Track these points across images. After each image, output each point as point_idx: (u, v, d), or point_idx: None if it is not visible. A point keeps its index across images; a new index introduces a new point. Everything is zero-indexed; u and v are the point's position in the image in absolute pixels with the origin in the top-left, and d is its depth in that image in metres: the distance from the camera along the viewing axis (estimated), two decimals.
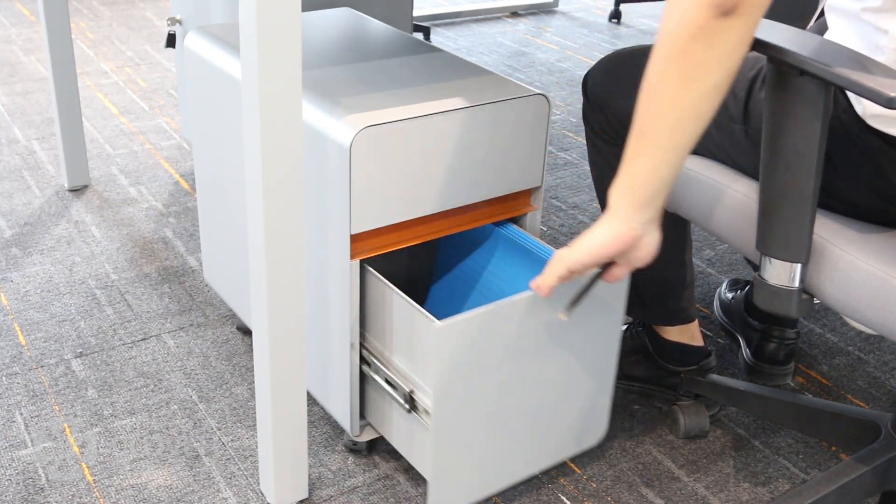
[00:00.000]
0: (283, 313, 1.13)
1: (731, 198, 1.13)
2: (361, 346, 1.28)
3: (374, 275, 1.22)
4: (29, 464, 1.33)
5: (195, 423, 1.42)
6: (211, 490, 1.30)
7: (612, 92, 1.27)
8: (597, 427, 1.29)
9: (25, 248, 1.89)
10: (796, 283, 1.02)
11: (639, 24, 3.74)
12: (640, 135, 0.91)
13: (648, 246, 0.98)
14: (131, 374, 1.53)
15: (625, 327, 1.50)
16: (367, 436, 1.34)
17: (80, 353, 1.58)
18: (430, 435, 1.10)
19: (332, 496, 1.30)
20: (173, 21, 2.06)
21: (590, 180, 2.31)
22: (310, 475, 1.33)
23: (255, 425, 1.42)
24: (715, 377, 1.40)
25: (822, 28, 1.18)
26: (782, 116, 0.94)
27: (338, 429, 1.43)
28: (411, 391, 1.18)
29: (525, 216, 1.36)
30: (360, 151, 1.14)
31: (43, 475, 1.31)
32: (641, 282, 1.41)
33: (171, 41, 2.10)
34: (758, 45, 0.92)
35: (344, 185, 1.15)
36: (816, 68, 0.88)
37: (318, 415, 1.45)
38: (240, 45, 1.10)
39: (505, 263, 1.34)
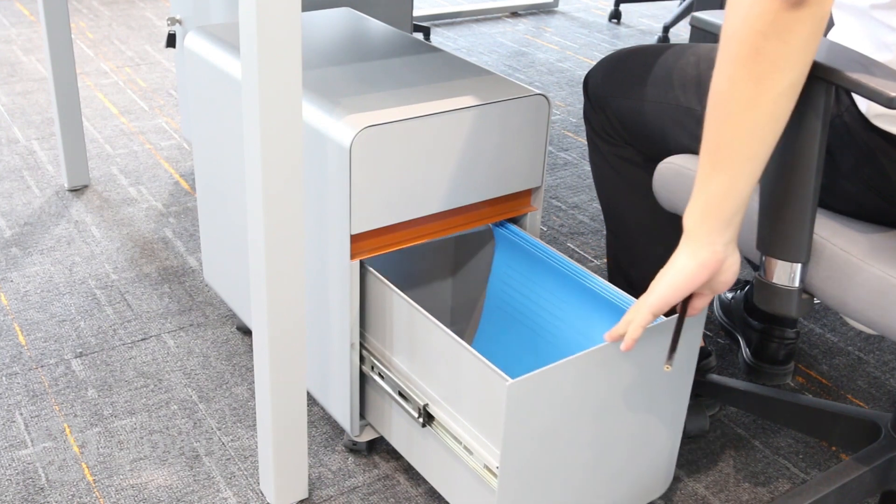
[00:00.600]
0: (283, 313, 1.13)
1: None
2: (361, 346, 1.28)
3: (374, 275, 1.22)
4: (29, 464, 1.33)
5: (195, 423, 1.42)
6: (211, 490, 1.30)
7: (612, 92, 1.27)
8: (664, 478, 1.24)
9: (25, 248, 1.89)
10: (796, 283, 1.02)
11: (639, 24, 3.73)
12: (714, 149, 0.85)
13: (733, 266, 0.93)
14: (131, 374, 1.53)
15: None
16: (367, 436, 1.34)
17: (80, 353, 1.58)
18: (497, 496, 1.04)
19: (332, 496, 1.30)
20: (173, 21, 2.06)
21: (590, 180, 2.31)
22: (310, 475, 1.33)
23: (255, 425, 1.42)
24: (715, 377, 1.40)
25: (827, 24, 1.18)
26: None
27: (338, 429, 1.43)
28: (426, 405, 1.16)
29: (525, 216, 1.36)
30: (360, 151, 1.14)
31: (43, 475, 1.31)
32: (641, 282, 1.41)
33: (171, 41, 2.10)
34: None
35: (344, 185, 1.15)
36: (818, 69, 0.88)
37: (318, 415, 1.45)
38: (240, 45, 1.10)
39: (509, 267, 1.34)
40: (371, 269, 1.23)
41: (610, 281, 1.44)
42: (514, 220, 1.37)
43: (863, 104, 1.00)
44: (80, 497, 1.28)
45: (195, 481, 1.31)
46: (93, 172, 2.22)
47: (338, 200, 1.18)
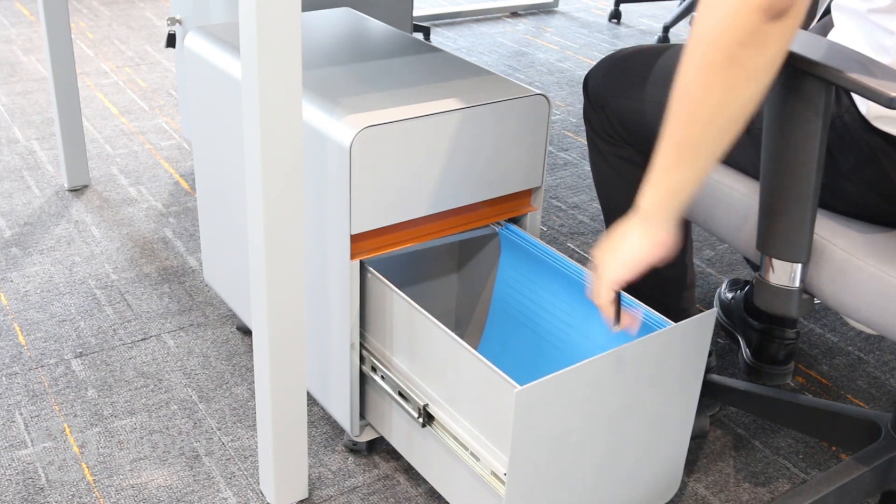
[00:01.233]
0: (283, 313, 1.13)
1: (732, 198, 1.13)
2: (361, 346, 1.28)
3: (374, 275, 1.22)
4: (29, 464, 1.33)
5: (195, 423, 1.42)
6: (211, 490, 1.30)
7: (612, 92, 1.27)
8: (672, 483, 1.24)
9: (25, 248, 1.89)
10: (797, 283, 1.02)
11: (639, 24, 3.73)
12: (679, 145, 0.88)
13: (673, 243, 0.99)
14: (131, 374, 1.53)
15: None
16: (367, 436, 1.34)
17: (80, 353, 1.58)
18: (504, 503, 1.04)
19: (332, 496, 1.30)
20: (173, 21, 2.06)
21: (590, 180, 2.31)
22: (310, 475, 1.33)
23: (255, 425, 1.42)
24: (715, 377, 1.40)
25: (826, 26, 1.18)
26: (783, 116, 0.94)
27: (338, 429, 1.43)
28: (426, 405, 1.16)
29: (525, 216, 1.36)
30: (360, 151, 1.13)
31: (43, 475, 1.31)
32: (641, 283, 1.41)
33: (171, 41, 2.10)
34: None
35: (344, 185, 1.15)
36: (818, 69, 0.88)
37: (318, 415, 1.45)
38: (240, 45, 1.10)
39: (515, 270, 1.34)
40: (371, 269, 1.23)
41: None
42: (514, 220, 1.37)
43: (863, 105, 1.00)
44: (80, 497, 1.28)
45: (195, 481, 1.31)
46: (93, 172, 2.22)
47: (338, 200, 1.18)
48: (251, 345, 1.61)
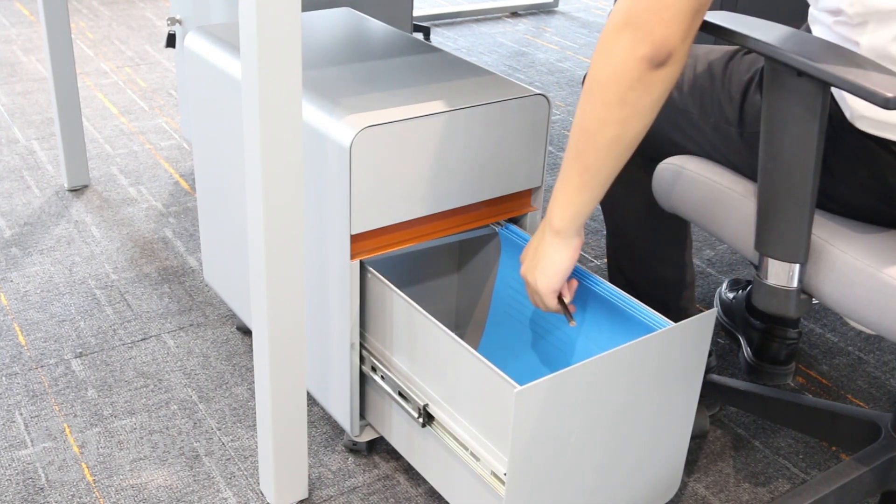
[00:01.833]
0: (283, 313, 1.13)
1: (731, 198, 1.13)
2: (361, 346, 1.28)
3: (374, 275, 1.22)
4: (29, 464, 1.33)
5: (195, 423, 1.42)
6: (211, 490, 1.30)
7: None
8: (672, 484, 1.23)
9: (25, 248, 1.89)
10: (795, 283, 1.02)
11: None
12: (583, 171, 1.01)
13: (581, 243, 1.12)
14: (131, 374, 1.53)
15: None
16: (367, 436, 1.34)
17: (80, 353, 1.58)
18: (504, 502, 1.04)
19: (332, 496, 1.30)
20: (173, 21, 2.06)
21: None
22: (310, 475, 1.33)
23: (255, 425, 1.42)
24: (715, 377, 1.40)
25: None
26: (780, 117, 0.94)
27: (338, 429, 1.43)
28: (426, 405, 1.16)
29: (525, 216, 1.36)
30: (360, 151, 1.14)
31: (43, 475, 1.31)
32: (641, 282, 1.41)
33: (171, 41, 2.10)
34: (756, 45, 0.93)
35: (344, 185, 1.15)
36: (814, 69, 0.88)
37: (318, 415, 1.45)
38: (240, 45, 1.10)
39: (515, 270, 1.34)
40: (371, 269, 1.23)
41: (610, 281, 1.45)
42: (515, 220, 1.37)
43: (846, 109, 1.00)
44: (80, 497, 1.28)
45: (195, 481, 1.31)
46: (93, 172, 2.22)
47: (338, 200, 1.18)
48: (251, 345, 1.61)
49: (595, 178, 1.01)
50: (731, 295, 1.70)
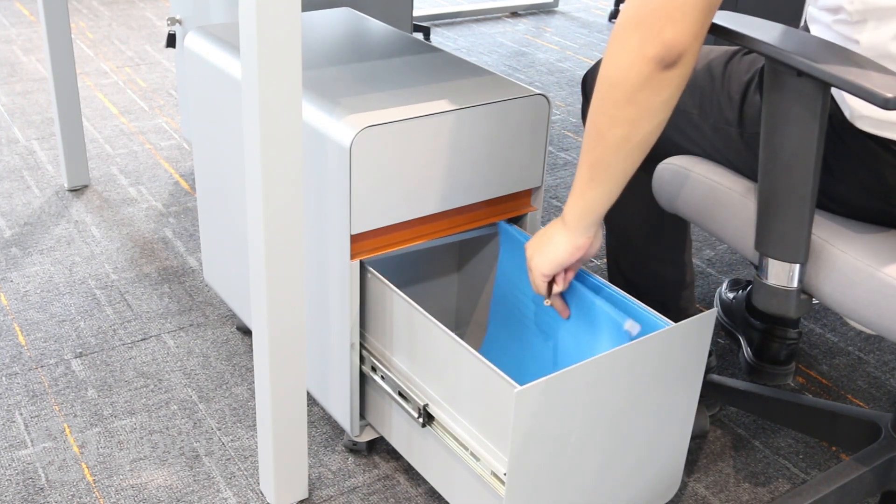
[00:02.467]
0: (283, 313, 1.13)
1: (731, 198, 1.13)
2: (361, 346, 1.28)
3: (374, 275, 1.22)
4: (29, 464, 1.33)
5: (195, 423, 1.42)
6: (211, 490, 1.30)
7: None
8: (672, 482, 1.23)
9: (25, 248, 1.89)
10: (795, 283, 1.02)
11: None
12: (593, 167, 1.01)
13: (598, 243, 1.11)
14: (131, 374, 1.53)
15: None
16: (367, 436, 1.34)
17: (80, 353, 1.58)
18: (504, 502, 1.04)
19: (332, 496, 1.30)
20: (173, 21, 2.06)
21: None
22: (310, 475, 1.33)
23: (255, 425, 1.42)
24: (715, 377, 1.40)
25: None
26: (780, 117, 0.94)
27: (338, 429, 1.43)
28: (426, 405, 1.16)
29: (525, 216, 1.36)
30: (360, 151, 1.14)
31: (43, 475, 1.31)
32: (641, 282, 1.41)
33: (171, 41, 2.10)
34: (756, 45, 0.93)
35: (344, 185, 1.15)
36: (813, 69, 0.88)
37: (318, 415, 1.45)
38: (240, 45, 1.10)
39: (515, 269, 1.34)
40: (371, 269, 1.23)
41: (609, 280, 1.45)
42: (515, 220, 1.37)
43: (846, 109, 1.00)
44: (80, 497, 1.28)
45: (195, 481, 1.31)
46: (93, 172, 2.22)
47: (338, 200, 1.18)
48: (251, 345, 1.61)
49: (604, 174, 1.01)
50: (731, 295, 1.70)
